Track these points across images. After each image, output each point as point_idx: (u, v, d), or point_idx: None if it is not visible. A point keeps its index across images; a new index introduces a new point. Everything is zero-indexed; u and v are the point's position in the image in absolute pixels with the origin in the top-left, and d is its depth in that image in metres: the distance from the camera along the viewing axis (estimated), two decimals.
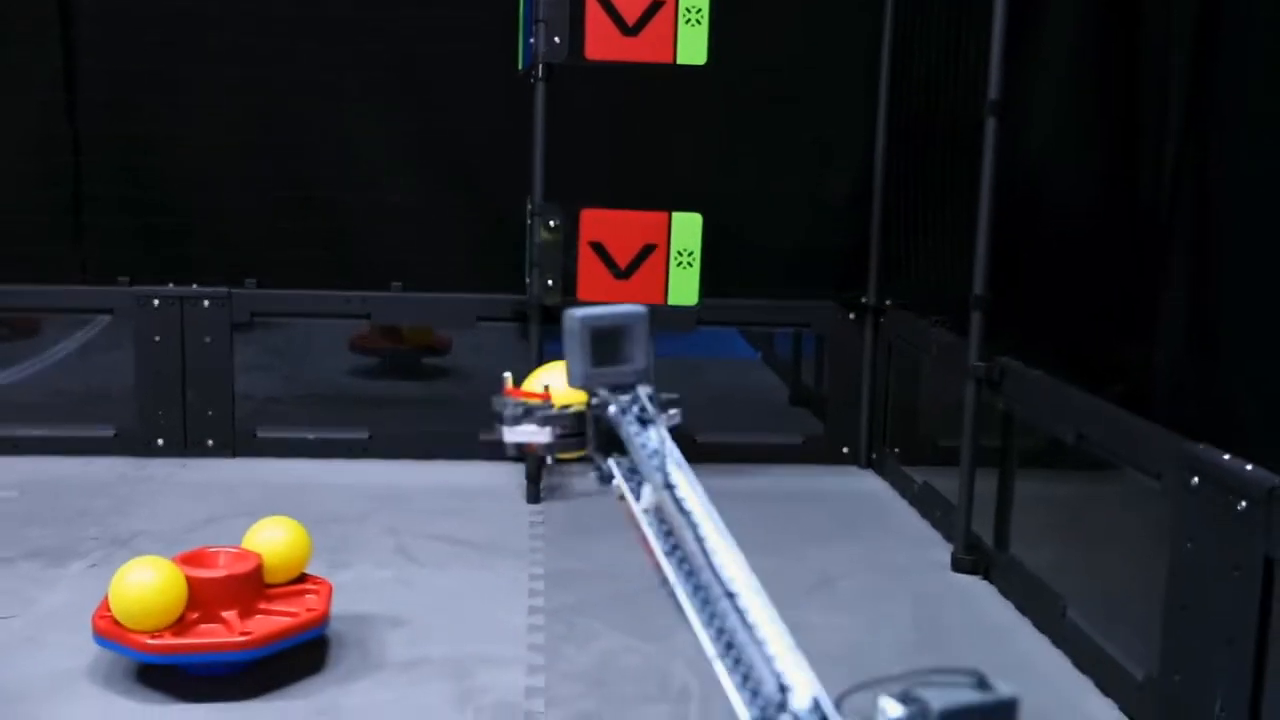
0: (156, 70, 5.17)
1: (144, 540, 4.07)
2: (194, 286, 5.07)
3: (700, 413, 5.56)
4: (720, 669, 1.73)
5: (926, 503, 4.57)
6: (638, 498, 1.93)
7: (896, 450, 5.03)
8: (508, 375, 2.46)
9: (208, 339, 5.08)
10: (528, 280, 4.67)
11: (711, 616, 1.74)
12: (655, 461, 1.90)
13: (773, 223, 5.29)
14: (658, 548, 1.93)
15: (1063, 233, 4.15)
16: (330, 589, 3.30)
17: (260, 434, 5.18)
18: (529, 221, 4.61)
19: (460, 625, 3.47)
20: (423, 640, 3.37)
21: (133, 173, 5.22)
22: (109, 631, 3.00)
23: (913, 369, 4.89)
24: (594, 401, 2.05)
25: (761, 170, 5.37)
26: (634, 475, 1.95)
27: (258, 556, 3.19)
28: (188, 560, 3.13)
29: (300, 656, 3.17)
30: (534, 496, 4.65)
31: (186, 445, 5.12)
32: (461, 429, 5.27)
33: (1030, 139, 4.01)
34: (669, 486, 1.87)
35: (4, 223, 5.13)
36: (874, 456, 5.19)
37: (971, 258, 3.89)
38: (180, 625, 3.01)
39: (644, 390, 2.03)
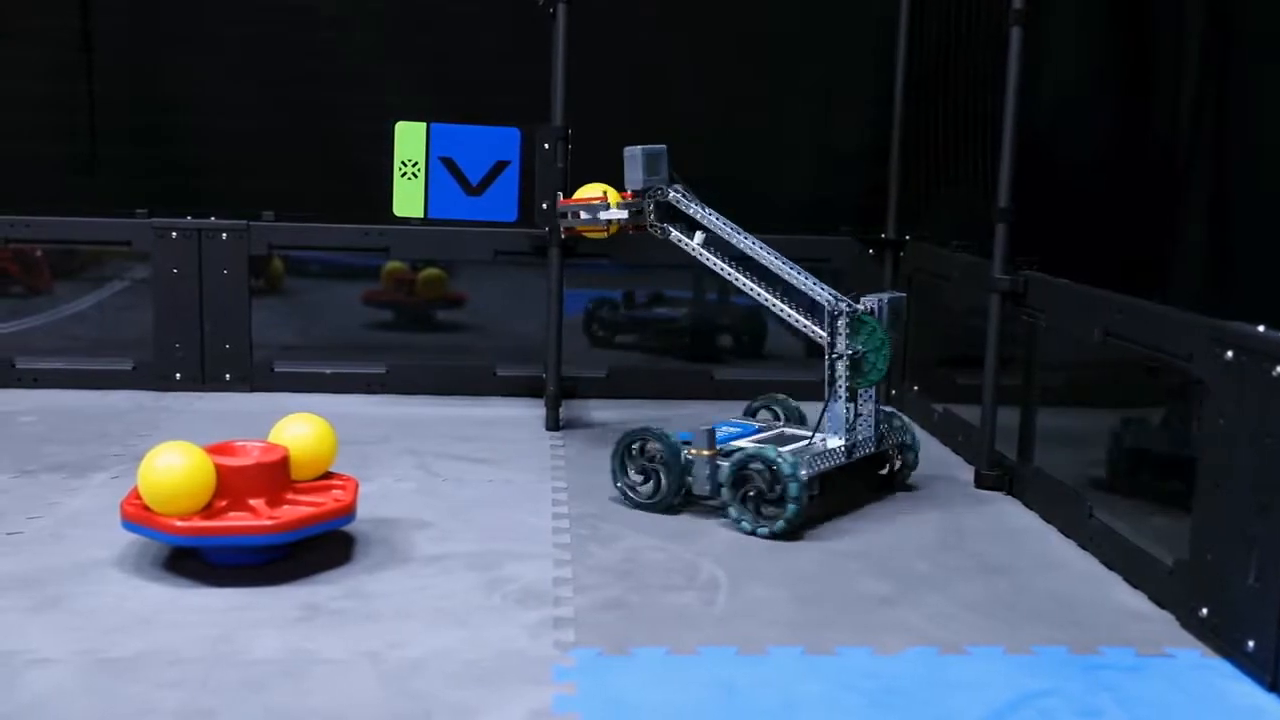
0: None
1: None
2: (212, 219, 5.07)
3: (721, 356, 5.63)
4: (785, 308, 3.83)
5: (947, 430, 4.56)
6: (692, 238, 3.99)
7: (915, 386, 5.02)
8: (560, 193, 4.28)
9: (225, 271, 5.07)
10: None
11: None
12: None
13: (793, 165, 5.30)
14: (713, 259, 3.96)
15: (1083, 149, 4.16)
16: (356, 484, 3.29)
17: (278, 369, 5.17)
18: (545, 147, 4.59)
19: (485, 527, 3.46)
20: (448, 539, 3.36)
21: (150, 104, 5.23)
22: (137, 516, 2.99)
23: (934, 301, 4.87)
24: (658, 191, 4.04)
25: (779, 112, 5.38)
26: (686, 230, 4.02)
27: (285, 449, 3.18)
28: (216, 450, 3.12)
29: (326, 550, 3.17)
30: (553, 423, 4.64)
31: (204, 379, 5.11)
32: (479, 364, 5.28)
33: (1051, 58, 4.02)
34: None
35: (22, 155, 5.14)
36: (894, 392, 5.17)
37: (996, 171, 3.88)
38: (208, 511, 3.00)
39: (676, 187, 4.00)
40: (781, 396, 4.25)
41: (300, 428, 3.29)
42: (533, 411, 4.88)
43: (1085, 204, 4.06)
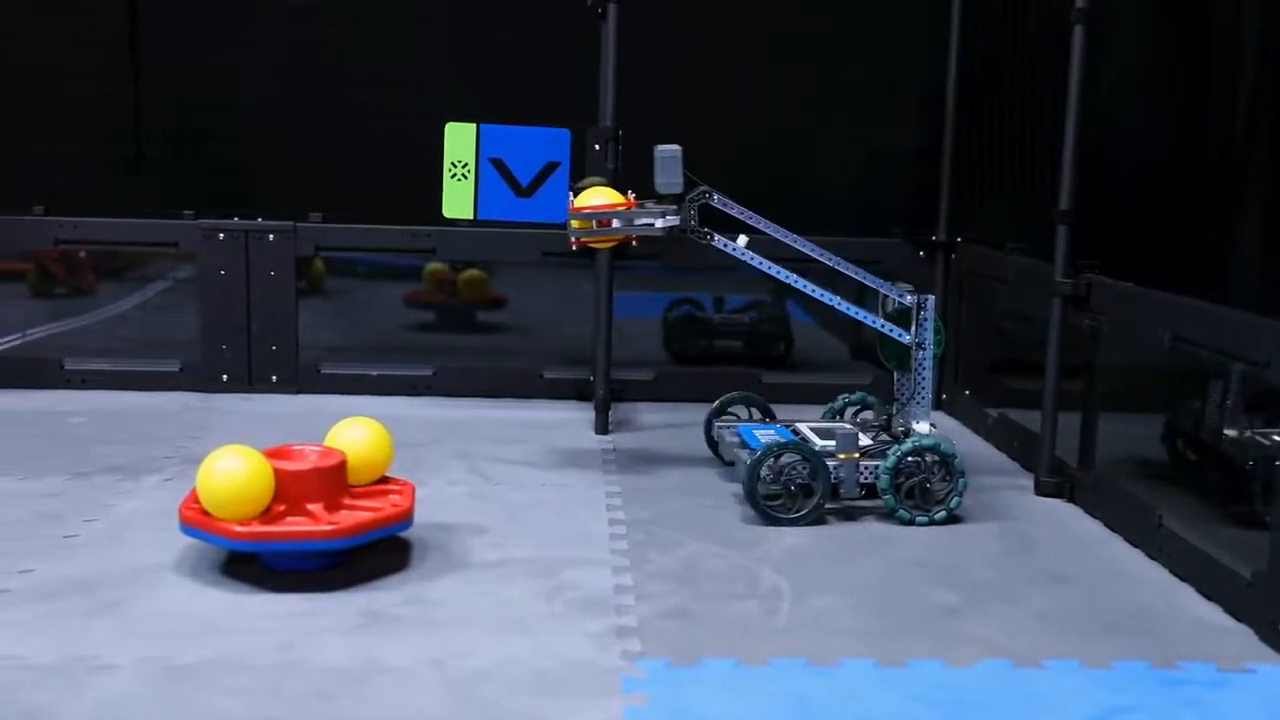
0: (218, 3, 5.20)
1: None
2: (259, 220, 5.06)
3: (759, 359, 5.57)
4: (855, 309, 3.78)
5: (1002, 435, 4.49)
6: (735, 240, 3.76)
7: (967, 390, 4.95)
8: (570, 193, 3.87)
9: (272, 273, 5.06)
10: None
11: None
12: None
13: (841, 166, 5.25)
14: (765, 262, 3.80)
15: (1144, 150, 4.09)
16: (413, 488, 3.26)
17: (324, 370, 5.16)
18: (595, 148, 4.55)
19: (540, 533, 3.42)
20: (504, 544, 3.32)
21: (195, 106, 5.22)
22: (196, 520, 2.97)
23: (987, 304, 4.81)
24: (704, 194, 3.81)
25: (826, 112, 5.32)
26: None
27: (342, 453, 3.15)
28: (274, 454, 3.09)
29: (383, 557, 3.14)
30: (603, 427, 4.60)
31: (250, 381, 5.11)
32: (525, 367, 5.25)
33: (1113, 55, 3.95)
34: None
35: (69, 157, 5.15)
36: (944, 396, 5.11)
37: (1057, 174, 3.82)
38: (267, 516, 2.97)
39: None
40: (750, 395, 4.29)
41: (357, 432, 3.26)
42: (581, 415, 4.85)
43: (1141, 205, 3.98)
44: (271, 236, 5.03)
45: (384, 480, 3.29)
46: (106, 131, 5.25)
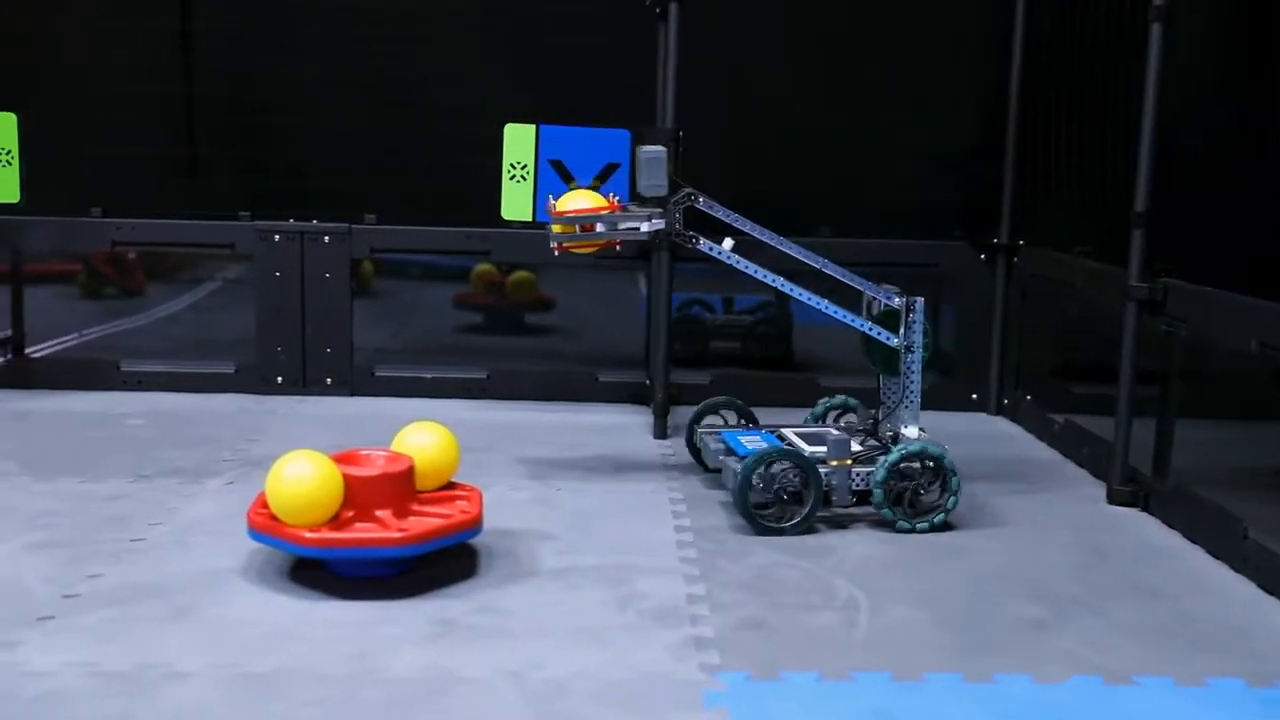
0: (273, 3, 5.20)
1: None
2: (314, 222, 5.04)
3: (818, 362, 5.50)
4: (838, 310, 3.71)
5: (1070, 442, 4.40)
6: (721, 243, 3.68)
7: (1029, 396, 4.86)
8: (550, 197, 3.76)
9: (327, 275, 5.04)
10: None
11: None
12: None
13: (900, 167, 5.17)
14: (752, 265, 3.70)
15: (1220, 147, 3.99)
16: (481, 494, 3.22)
17: (378, 373, 5.14)
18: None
19: (607, 540, 3.38)
20: (571, 552, 3.28)
21: (248, 106, 5.22)
22: (265, 526, 2.94)
23: (1050, 307, 4.72)
24: (690, 197, 3.69)
25: (882, 112, 5.25)
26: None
27: (410, 459, 3.11)
28: (341, 459, 3.06)
29: (450, 563, 3.10)
30: (661, 431, 4.55)
31: (304, 383, 5.09)
32: (581, 370, 5.21)
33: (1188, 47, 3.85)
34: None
35: (123, 158, 5.16)
36: (1005, 401, 5.02)
37: (1128, 175, 3.73)
38: (336, 522, 2.94)
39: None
40: (733, 400, 4.23)
41: (424, 436, 3.22)
42: (637, 419, 4.80)
43: (1215, 206, 3.89)
44: (327, 239, 5.01)
45: (450, 486, 3.26)
46: (160, 132, 5.25)
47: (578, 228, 3.66)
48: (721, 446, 3.80)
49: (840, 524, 3.56)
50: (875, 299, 3.80)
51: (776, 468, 3.46)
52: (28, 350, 5.35)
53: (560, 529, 3.46)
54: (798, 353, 5.50)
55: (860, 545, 3.39)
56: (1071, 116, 4.53)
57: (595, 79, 5.14)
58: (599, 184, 4.37)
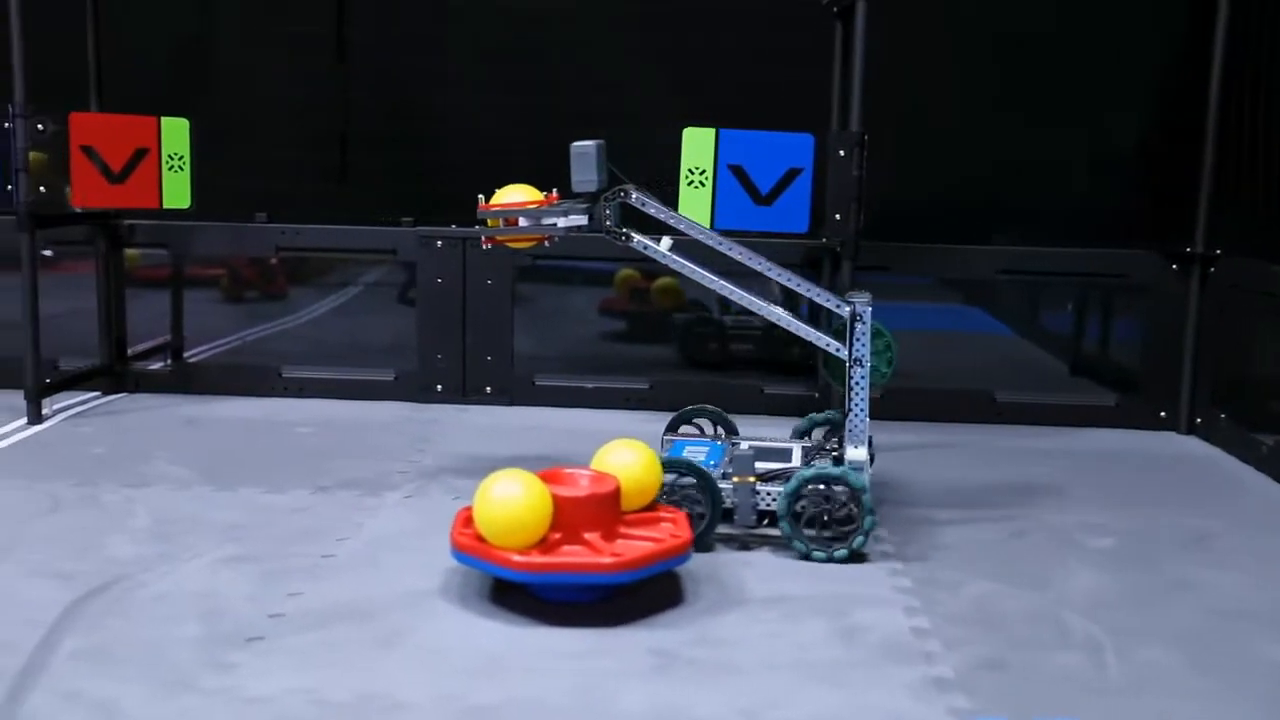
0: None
1: (450, 476, 3.95)
2: (476, 227, 4.94)
3: (987, 376, 5.27)
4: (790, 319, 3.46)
5: None
6: (658, 243, 3.49)
7: (1224, 414, 4.58)
8: (480, 196, 3.54)
9: (489, 282, 4.96)
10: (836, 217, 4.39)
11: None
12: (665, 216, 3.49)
13: (1082, 170, 4.94)
14: (687, 264, 3.48)
15: None
16: (687, 517, 3.07)
17: (539, 382, 5.04)
18: (840, 154, 4.31)
19: (811, 566, 3.20)
20: (776, 577, 3.11)
21: (403, 112, 5.18)
22: (471, 548, 2.83)
23: (1253, 320, 4.43)
24: (620, 193, 3.49)
25: (1062, 112, 5.01)
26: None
27: (616, 479, 2.98)
28: (544, 479, 2.94)
29: (654, 589, 2.95)
30: None
31: (464, 392, 5.01)
32: (746, 381, 5.06)
33: None
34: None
35: (280, 163, 5.15)
36: (1198, 420, 4.74)
37: None
38: (544, 545, 2.82)
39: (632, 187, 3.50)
40: (711, 408, 4.03)
41: (626, 455, 3.09)
42: None
43: None
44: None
45: (651, 506, 3.12)
46: (317, 137, 5.24)
47: (502, 222, 3.52)
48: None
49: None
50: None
51: (677, 481, 3.26)
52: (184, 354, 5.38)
53: (759, 554, 3.30)
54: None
55: (1079, 576, 3.17)
56: None
57: (753, 81, 5.00)
58: (780, 191, 4.22)
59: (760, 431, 4.01)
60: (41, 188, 4.33)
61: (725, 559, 3.22)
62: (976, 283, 5.21)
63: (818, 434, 3.97)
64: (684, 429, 4.03)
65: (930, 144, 4.96)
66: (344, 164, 5.41)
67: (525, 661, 2.60)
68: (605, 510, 2.90)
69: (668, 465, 3.24)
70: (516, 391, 5.01)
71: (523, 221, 3.49)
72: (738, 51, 5.12)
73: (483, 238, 3.59)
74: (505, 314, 4.98)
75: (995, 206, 4.96)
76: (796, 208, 4.20)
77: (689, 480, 3.26)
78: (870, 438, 3.41)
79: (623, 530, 2.94)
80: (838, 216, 4.23)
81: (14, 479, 3.79)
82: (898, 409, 4.90)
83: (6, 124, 4.23)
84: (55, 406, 4.71)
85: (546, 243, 3.62)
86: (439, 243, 4.94)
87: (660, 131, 4.80)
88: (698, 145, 4.20)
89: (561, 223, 3.47)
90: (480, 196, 3.57)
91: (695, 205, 4.23)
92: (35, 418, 4.47)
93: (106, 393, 5.04)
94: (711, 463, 3.50)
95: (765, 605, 2.93)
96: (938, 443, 4.57)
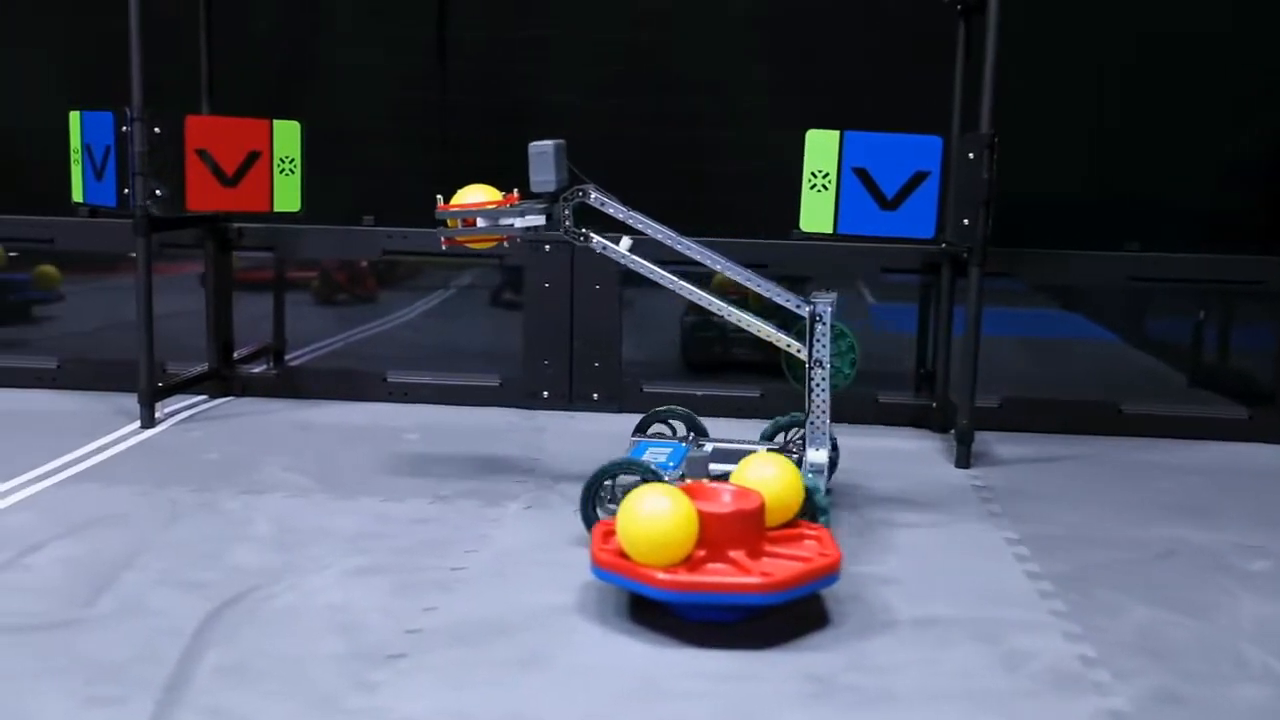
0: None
1: (567, 485, 3.86)
2: (584, 230, 4.86)
3: (1105, 386, 5.09)
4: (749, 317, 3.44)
5: None
6: (618, 244, 3.52)
7: None
8: (439, 196, 3.53)
9: (597, 286, 4.87)
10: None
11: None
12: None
13: (1216, 173, 4.75)
14: (650, 266, 3.52)
15: None
16: (831, 534, 2.96)
17: (646, 389, 4.94)
18: (970, 156, 4.17)
19: (953, 584, 3.08)
20: (923, 598, 2.98)
21: (502, 113, 5.11)
22: (614, 565, 2.73)
23: None
24: (578, 193, 3.52)
25: (1203, 116, 4.82)
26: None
27: (760, 495, 2.87)
28: (688, 493, 2.83)
29: (796, 609, 2.83)
30: (964, 460, 4.22)
31: (571, 398, 4.93)
32: (860, 390, 4.91)
33: None
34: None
35: (381, 164, 5.12)
36: None
37: None
38: (689, 563, 2.72)
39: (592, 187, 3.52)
40: (679, 410, 3.97)
41: (767, 469, 2.99)
42: (925, 444, 4.52)
43: None
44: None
45: (793, 523, 3.01)
46: (414, 139, 5.18)
47: (461, 222, 3.51)
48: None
49: None
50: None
51: (623, 480, 3.21)
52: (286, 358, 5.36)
53: (898, 570, 3.17)
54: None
55: (1247, 603, 3.01)
56: None
57: (863, 80, 4.88)
58: (905, 195, 4.08)
59: (744, 434, 3.94)
60: (157, 191, 4.31)
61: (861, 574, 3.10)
62: (1082, 289, 5.06)
63: (783, 437, 3.91)
64: (654, 429, 3.99)
65: (1067, 146, 4.81)
66: (444, 165, 5.35)
67: (676, 685, 2.49)
68: (751, 527, 2.79)
69: (615, 466, 3.24)
70: (625, 398, 4.91)
71: (480, 222, 3.52)
72: (858, 49, 4.99)
73: (441, 238, 3.58)
74: (613, 319, 4.89)
75: (1126, 209, 4.78)
76: (923, 212, 4.06)
77: (632, 478, 3.22)
78: (834, 440, 3.35)
79: (768, 548, 2.82)
80: (965, 221, 4.08)
81: (134, 484, 3.77)
82: (1018, 419, 4.76)
83: (125, 128, 4.22)
84: (165, 410, 4.70)
85: (505, 243, 3.68)
86: (547, 247, 4.86)
87: (772, 133, 4.71)
88: (821, 148, 4.07)
89: (518, 223, 3.51)
90: (439, 197, 3.58)
91: (818, 209, 4.11)
92: (148, 421, 4.45)
93: (213, 396, 5.03)
94: (670, 464, 3.46)
95: (916, 628, 2.81)
96: (1060, 455, 4.41)
